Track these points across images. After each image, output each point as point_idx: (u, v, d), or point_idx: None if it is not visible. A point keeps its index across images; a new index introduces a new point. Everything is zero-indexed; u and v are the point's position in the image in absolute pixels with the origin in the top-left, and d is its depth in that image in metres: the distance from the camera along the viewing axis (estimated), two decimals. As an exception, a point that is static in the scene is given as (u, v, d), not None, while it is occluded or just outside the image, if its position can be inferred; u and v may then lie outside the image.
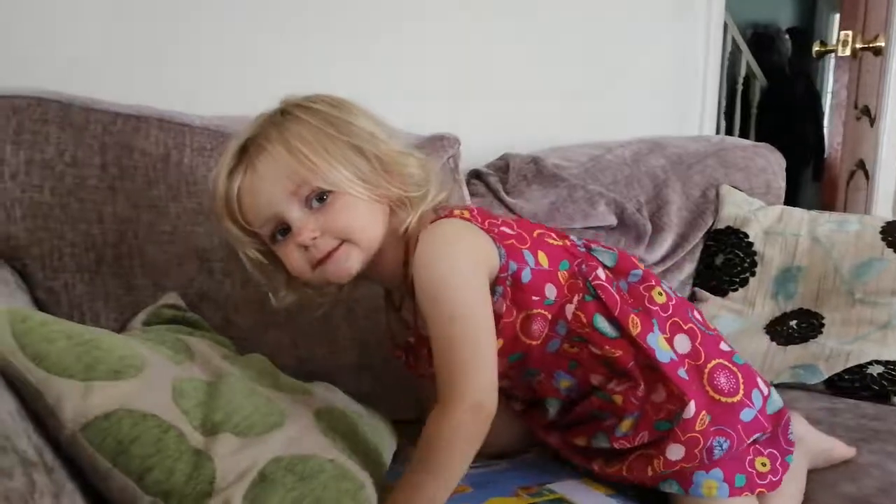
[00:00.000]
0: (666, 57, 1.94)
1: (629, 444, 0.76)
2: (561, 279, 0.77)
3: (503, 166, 1.35)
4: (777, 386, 1.21)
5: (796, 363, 1.20)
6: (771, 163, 1.51)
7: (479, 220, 0.77)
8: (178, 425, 0.60)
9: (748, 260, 1.36)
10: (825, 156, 3.02)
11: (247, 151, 0.73)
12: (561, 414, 0.83)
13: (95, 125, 0.96)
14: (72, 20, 1.17)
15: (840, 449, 0.92)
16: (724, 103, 3.17)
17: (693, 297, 1.39)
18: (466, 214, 0.76)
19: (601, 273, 0.78)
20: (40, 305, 0.89)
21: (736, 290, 1.35)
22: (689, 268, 1.40)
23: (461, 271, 0.70)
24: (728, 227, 1.39)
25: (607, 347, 0.75)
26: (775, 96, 3.89)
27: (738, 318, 1.32)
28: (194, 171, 1.02)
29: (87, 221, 0.93)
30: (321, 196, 0.71)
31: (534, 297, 0.75)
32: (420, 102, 1.35)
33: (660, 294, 0.80)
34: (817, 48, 2.01)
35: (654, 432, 0.75)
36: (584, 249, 0.82)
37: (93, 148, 0.95)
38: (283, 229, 0.73)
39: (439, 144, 1.20)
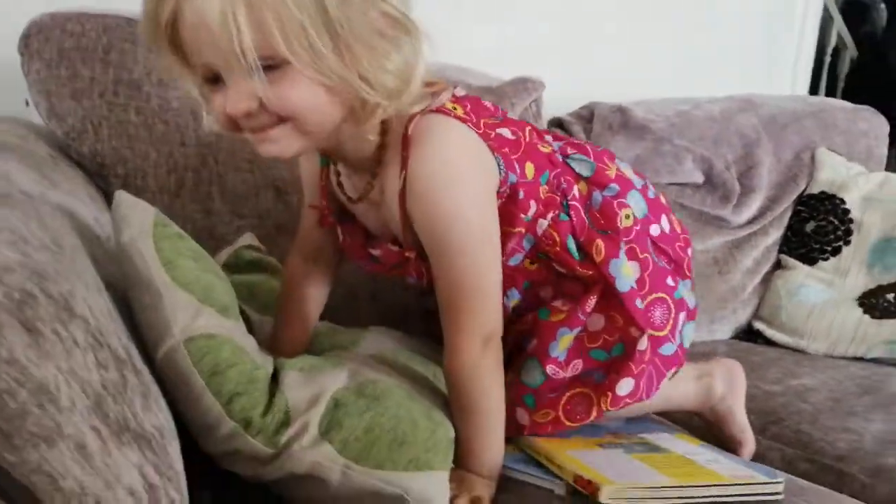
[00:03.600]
0: (760, 12, 1.83)
1: (562, 371, 0.71)
2: (541, 193, 0.69)
3: (587, 115, 1.29)
4: (870, 360, 1.16)
5: (892, 338, 1.13)
6: (874, 126, 1.42)
7: (474, 119, 0.65)
8: (265, 366, 0.61)
9: (843, 227, 1.27)
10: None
11: None
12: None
13: (181, 47, 0.95)
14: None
15: (747, 445, 0.84)
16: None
17: (778, 265, 1.32)
18: (460, 112, 0.64)
19: (576, 190, 0.72)
20: (124, 224, 0.90)
21: (827, 258, 1.27)
22: (775, 233, 1.33)
23: (469, 206, 0.63)
24: (822, 193, 1.31)
25: (578, 269, 0.71)
26: (867, 68, 3.66)
27: (826, 288, 1.25)
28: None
29: (170, 143, 0.92)
30: (260, 70, 0.54)
31: (521, 215, 0.67)
32: (503, 45, 1.30)
33: (627, 217, 0.73)
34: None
35: (588, 360, 0.72)
36: (561, 158, 0.73)
37: (178, 70, 0.94)
38: (216, 77, 0.57)
39: (522, 87, 1.15)
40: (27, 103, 0.97)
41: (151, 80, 0.92)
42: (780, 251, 1.32)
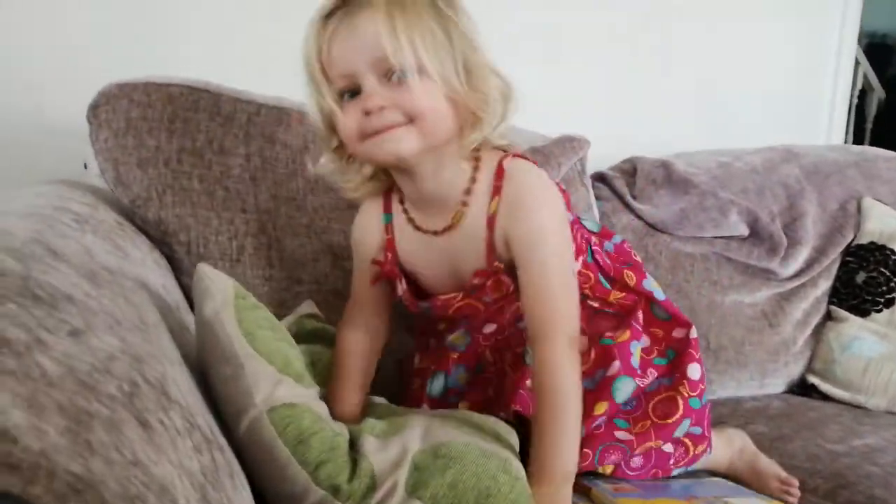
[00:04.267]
0: (794, 65, 1.84)
1: (645, 379, 0.80)
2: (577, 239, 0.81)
3: (630, 170, 1.30)
4: (932, 418, 1.12)
5: (954, 394, 1.10)
6: (919, 176, 1.40)
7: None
8: (342, 432, 0.62)
9: (895, 279, 1.25)
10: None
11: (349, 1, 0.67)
12: None
13: (241, 114, 0.98)
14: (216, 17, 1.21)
15: (793, 484, 0.86)
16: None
17: (829, 316, 1.30)
18: (535, 162, 0.78)
19: (594, 240, 0.85)
20: (185, 290, 0.91)
21: (880, 310, 1.25)
22: (824, 284, 1.31)
23: (559, 217, 0.74)
24: (871, 243, 1.30)
25: (613, 296, 0.83)
26: (894, 110, 3.65)
27: (881, 341, 1.22)
28: (330, 165, 1.03)
29: (231, 210, 0.94)
30: (402, 76, 0.65)
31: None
32: (545, 103, 1.32)
33: (635, 254, 0.90)
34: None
35: (655, 367, 0.81)
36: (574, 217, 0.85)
37: (238, 138, 0.97)
38: (353, 92, 0.68)
39: (569, 146, 1.16)
40: (85, 166, 1.00)
41: (213, 148, 0.95)
42: (831, 303, 1.30)
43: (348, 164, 0.76)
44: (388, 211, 0.79)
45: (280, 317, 0.91)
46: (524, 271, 0.72)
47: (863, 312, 1.26)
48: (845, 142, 3.42)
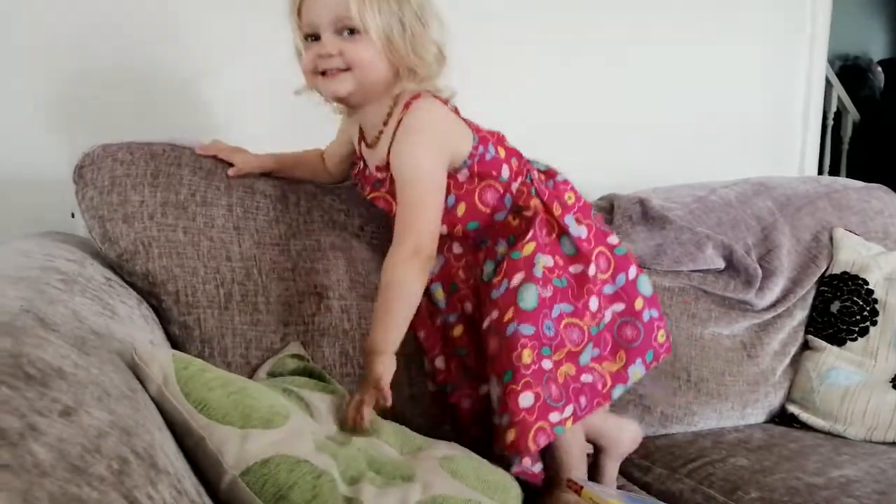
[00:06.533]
0: (764, 96, 1.89)
1: (545, 290, 0.91)
2: (512, 166, 0.98)
3: (607, 206, 1.33)
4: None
5: (929, 421, 1.12)
6: (888, 205, 1.45)
7: (460, 114, 0.98)
8: (329, 471, 0.61)
9: (868, 308, 1.29)
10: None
11: None
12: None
13: (222, 168, 1.01)
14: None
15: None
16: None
17: (806, 346, 1.33)
18: (450, 107, 0.97)
19: (536, 174, 1.01)
20: (174, 340, 0.93)
21: (855, 339, 1.28)
22: (800, 314, 1.34)
23: (423, 160, 0.90)
24: (844, 273, 1.33)
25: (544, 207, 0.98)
26: (869, 131, 3.73)
27: (858, 370, 1.25)
28: (310, 211, 1.06)
29: (216, 259, 0.96)
30: (352, 31, 0.86)
31: (493, 172, 0.96)
32: (520, 139, 1.35)
33: (569, 197, 1.02)
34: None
35: (558, 288, 0.93)
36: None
37: (220, 189, 0.99)
38: (315, 37, 0.88)
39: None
40: (73, 215, 1.02)
41: (196, 200, 0.97)
42: (807, 332, 1.34)
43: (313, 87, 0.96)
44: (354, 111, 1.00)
45: (267, 360, 0.94)
46: (396, 184, 0.90)
47: (839, 341, 1.29)
48: (821, 163, 3.51)
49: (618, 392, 0.96)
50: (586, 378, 0.92)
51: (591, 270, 0.96)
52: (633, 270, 1.01)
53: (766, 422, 1.28)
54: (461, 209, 0.96)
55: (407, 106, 0.91)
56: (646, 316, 1.00)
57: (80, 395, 0.48)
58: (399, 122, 0.91)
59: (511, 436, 0.83)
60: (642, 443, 1.09)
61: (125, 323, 0.77)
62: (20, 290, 0.64)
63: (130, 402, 0.55)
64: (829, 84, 3.48)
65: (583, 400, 0.90)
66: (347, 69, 0.87)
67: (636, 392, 1.19)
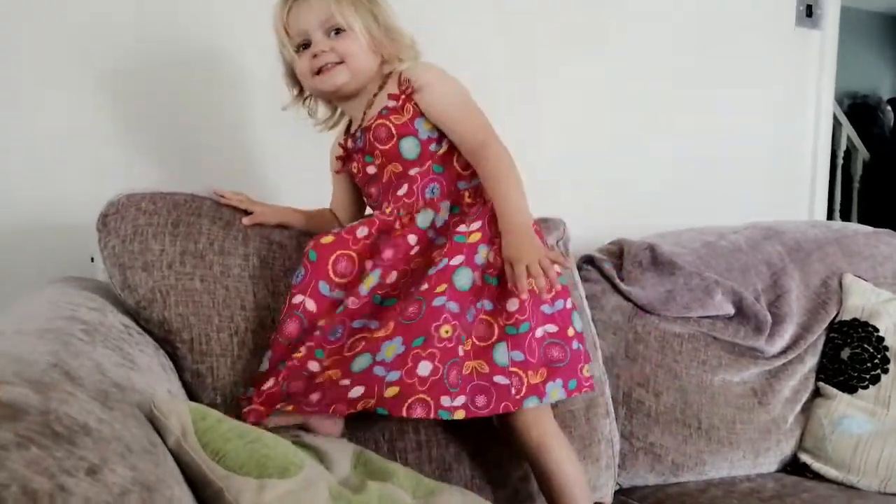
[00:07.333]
0: (772, 138, 1.92)
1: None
2: None
3: (616, 251, 1.35)
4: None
5: (943, 472, 1.11)
6: (897, 250, 1.45)
7: None
8: None
9: (879, 356, 1.29)
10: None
11: None
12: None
13: (241, 218, 1.04)
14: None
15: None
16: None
17: (818, 393, 1.32)
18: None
19: None
20: (188, 388, 0.94)
21: (866, 387, 1.28)
22: (811, 361, 1.34)
23: (449, 83, 1.02)
24: (854, 320, 1.33)
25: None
26: (881, 169, 3.74)
27: (870, 418, 1.25)
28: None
29: (231, 308, 0.99)
30: (338, 30, 0.99)
31: None
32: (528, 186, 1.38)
33: None
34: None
35: (488, 286, 0.95)
36: None
37: (237, 240, 1.02)
38: (306, 45, 1.01)
39: (544, 227, 1.21)
40: (92, 259, 1.05)
41: (214, 250, 1.00)
42: (818, 379, 1.33)
43: (304, 106, 1.10)
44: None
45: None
46: (454, 123, 1.01)
47: (850, 389, 1.29)
48: (831, 203, 3.52)
49: (530, 403, 0.91)
50: (501, 380, 0.90)
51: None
52: (570, 302, 1.00)
53: (778, 471, 1.27)
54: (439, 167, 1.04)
55: (400, 76, 1.02)
56: (575, 345, 0.98)
57: (105, 453, 0.50)
58: (388, 94, 1.02)
59: (391, 392, 0.83)
60: (653, 490, 1.08)
61: (144, 373, 0.79)
62: (47, 344, 0.66)
63: (152, 457, 0.56)
64: (838, 123, 3.51)
65: (480, 399, 0.88)
66: (341, 62, 1.00)
67: (646, 440, 1.19)
